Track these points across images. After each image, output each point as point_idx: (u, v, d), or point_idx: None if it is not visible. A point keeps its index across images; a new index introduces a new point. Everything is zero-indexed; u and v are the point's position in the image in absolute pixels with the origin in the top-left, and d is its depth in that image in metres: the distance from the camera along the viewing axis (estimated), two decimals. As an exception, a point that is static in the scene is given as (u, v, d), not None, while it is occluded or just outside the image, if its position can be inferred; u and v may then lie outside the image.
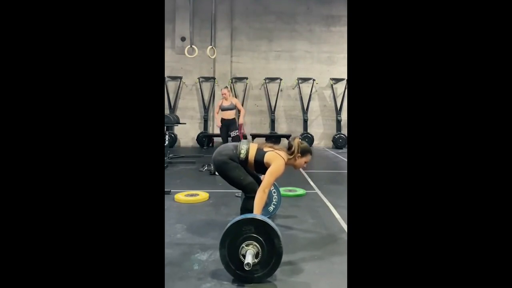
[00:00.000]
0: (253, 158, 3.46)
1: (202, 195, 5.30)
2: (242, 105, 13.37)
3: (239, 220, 2.76)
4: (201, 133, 13.06)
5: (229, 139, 8.65)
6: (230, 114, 8.72)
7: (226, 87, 9.34)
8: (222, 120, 8.77)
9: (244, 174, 3.44)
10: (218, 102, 8.94)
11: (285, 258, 3.15)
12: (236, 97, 13.38)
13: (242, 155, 3.46)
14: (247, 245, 2.70)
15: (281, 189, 5.64)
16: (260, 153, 3.46)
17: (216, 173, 3.52)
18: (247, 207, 3.30)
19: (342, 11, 13.72)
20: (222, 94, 8.90)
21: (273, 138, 13.08)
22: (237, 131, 8.68)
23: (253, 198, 3.21)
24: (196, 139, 13.01)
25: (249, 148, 3.49)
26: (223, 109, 8.74)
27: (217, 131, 12.98)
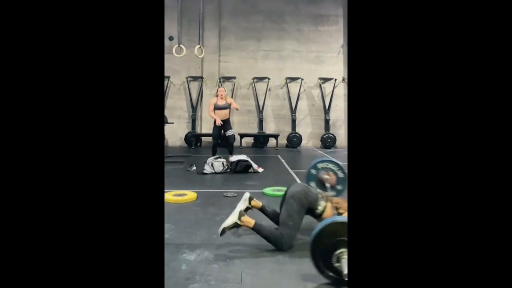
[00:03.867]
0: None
1: (190, 195, 5.28)
2: (230, 104, 13.42)
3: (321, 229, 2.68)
4: (189, 132, 13.03)
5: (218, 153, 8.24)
6: (225, 114, 8.37)
7: (223, 86, 8.99)
8: (216, 120, 8.34)
9: (300, 219, 3.39)
10: (211, 100, 8.54)
11: (273, 259, 3.16)
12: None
13: (319, 211, 3.45)
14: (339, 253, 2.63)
15: (269, 189, 5.68)
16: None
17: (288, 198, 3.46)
18: (271, 236, 3.33)
19: (330, 10, 13.79)
20: (220, 92, 8.46)
21: (261, 138, 13.09)
22: (232, 130, 8.42)
23: (282, 242, 3.28)
24: (184, 139, 12.97)
25: (326, 206, 3.46)
26: (218, 108, 8.34)
27: (205, 130, 13.02)
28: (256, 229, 3.26)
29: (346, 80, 13.58)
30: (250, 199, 3.85)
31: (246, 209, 3.82)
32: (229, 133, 8.39)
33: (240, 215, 3.21)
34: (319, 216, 3.46)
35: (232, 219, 3.22)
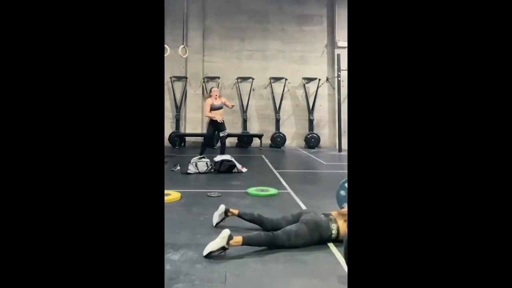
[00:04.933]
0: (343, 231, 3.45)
1: (174, 194, 5.27)
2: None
3: None
4: (173, 132, 12.99)
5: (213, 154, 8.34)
6: (221, 114, 8.36)
7: (215, 87, 9.10)
8: (212, 120, 8.38)
9: (302, 243, 3.39)
10: (207, 100, 8.53)
11: (257, 259, 3.17)
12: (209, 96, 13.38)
13: (334, 235, 3.47)
14: None
15: (253, 189, 5.68)
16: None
17: (303, 223, 3.46)
18: (263, 241, 3.34)
19: (314, 10, 13.85)
20: (214, 92, 8.47)
21: (245, 138, 13.10)
22: (225, 131, 8.42)
23: (272, 241, 3.31)
24: (168, 139, 12.92)
25: (338, 226, 3.49)
26: (215, 108, 8.31)
27: (189, 130, 13.00)
28: (246, 243, 3.24)
29: (330, 80, 13.65)
30: (227, 211, 4.00)
31: (222, 220, 4.03)
32: (224, 133, 8.40)
33: (229, 239, 3.17)
34: (336, 239, 3.48)
35: (219, 242, 3.16)
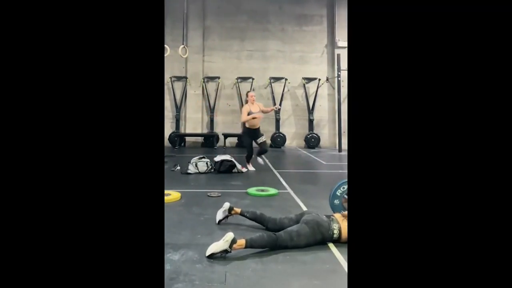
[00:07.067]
0: (346, 234, 3.46)
1: (174, 194, 5.26)
2: (214, 104, 13.38)
3: None
4: (173, 132, 12.98)
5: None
6: (259, 120, 7.69)
7: (253, 89, 8.16)
8: (248, 129, 7.73)
9: (304, 243, 3.39)
10: (245, 107, 7.68)
11: (257, 259, 3.16)
12: (207, 96, 13.37)
13: (336, 235, 3.47)
14: None
15: (253, 189, 5.67)
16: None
17: (304, 223, 3.46)
18: (265, 243, 3.32)
19: (314, 10, 13.84)
20: (251, 97, 7.75)
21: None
22: (263, 136, 7.77)
23: (276, 243, 3.31)
24: (168, 139, 12.91)
25: (340, 227, 3.49)
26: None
27: (189, 130, 13.00)
28: (249, 246, 3.24)
29: (330, 80, 13.65)
30: (231, 208, 4.06)
31: (225, 217, 4.08)
32: (260, 140, 7.72)
33: (232, 243, 3.16)
34: (338, 240, 3.48)
35: (222, 245, 3.16)
